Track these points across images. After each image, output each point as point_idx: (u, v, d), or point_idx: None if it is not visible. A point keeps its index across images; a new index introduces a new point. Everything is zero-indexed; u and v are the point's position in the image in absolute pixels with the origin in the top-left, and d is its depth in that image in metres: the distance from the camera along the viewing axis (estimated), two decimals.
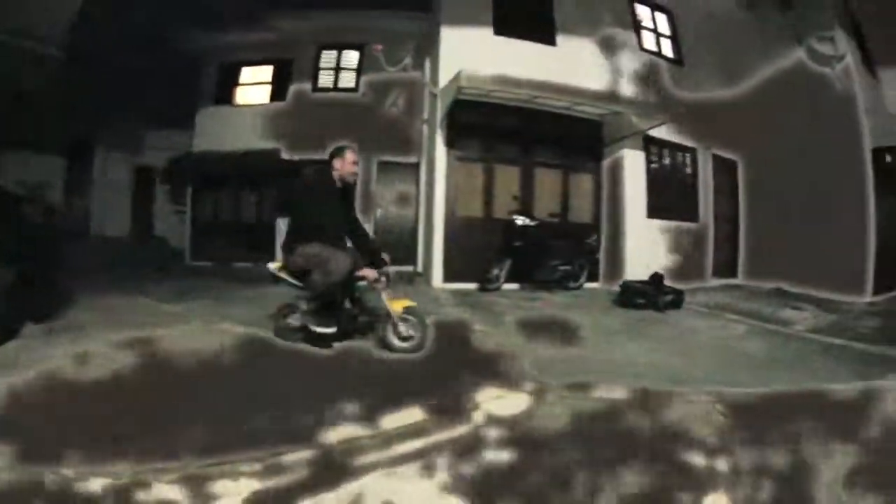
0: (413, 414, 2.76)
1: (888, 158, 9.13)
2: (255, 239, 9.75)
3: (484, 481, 2.32)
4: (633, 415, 2.79)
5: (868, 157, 8.11)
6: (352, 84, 10.07)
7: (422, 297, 5.20)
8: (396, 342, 3.63)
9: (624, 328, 5.12)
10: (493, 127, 7.48)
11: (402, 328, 3.65)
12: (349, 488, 2.21)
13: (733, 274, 9.45)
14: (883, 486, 2.32)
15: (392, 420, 2.69)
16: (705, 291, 7.79)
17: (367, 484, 2.24)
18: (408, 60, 9.66)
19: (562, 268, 6.99)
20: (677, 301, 6.13)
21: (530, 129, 7.64)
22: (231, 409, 2.61)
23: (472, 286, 6.90)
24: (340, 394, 2.81)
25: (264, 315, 4.05)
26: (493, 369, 3.36)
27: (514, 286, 7.10)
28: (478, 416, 2.77)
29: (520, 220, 6.76)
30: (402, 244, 8.98)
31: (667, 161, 8.53)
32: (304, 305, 3.54)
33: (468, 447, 2.51)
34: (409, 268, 8.75)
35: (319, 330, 3.47)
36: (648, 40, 8.74)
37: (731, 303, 6.79)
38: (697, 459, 2.50)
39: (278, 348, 3.41)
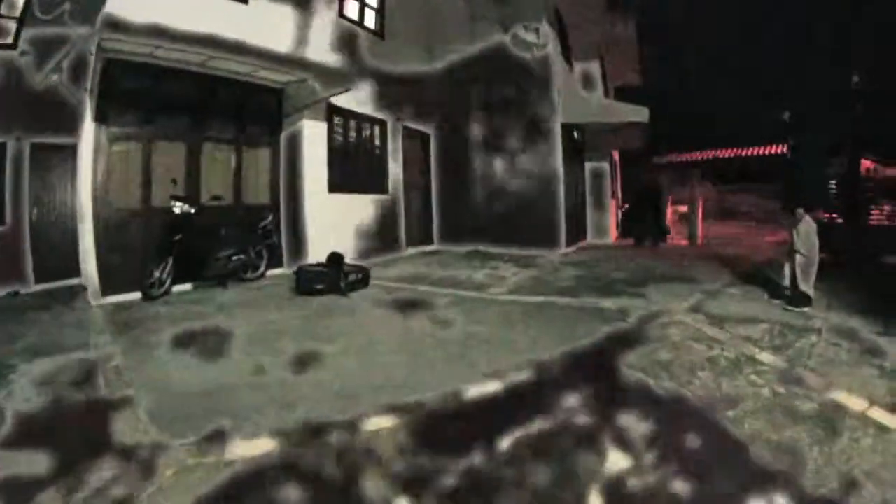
0: None
1: (575, 133, 10.48)
2: None
3: None
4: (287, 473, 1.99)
5: (559, 130, 9.05)
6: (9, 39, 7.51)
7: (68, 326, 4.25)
8: None
9: (294, 326, 4.19)
10: (156, 96, 6.11)
11: None
12: None
13: (430, 240, 10.02)
14: None
15: None
16: (401, 262, 7.80)
17: None
18: (66, 7, 7.57)
19: (235, 258, 5.98)
20: (363, 279, 5.63)
21: (201, 99, 6.39)
22: None
23: (137, 296, 5.48)
24: None
25: None
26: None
27: (187, 286, 5.89)
28: None
29: (177, 208, 5.53)
30: (61, 251, 7.04)
31: (353, 133, 8.19)
32: None
33: None
34: (75, 281, 6.88)
35: None
36: (352, 9, 8.31)
37: (426, 272, 6.63)
38: None
39: None
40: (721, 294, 5.03)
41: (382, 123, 8.72)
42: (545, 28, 9.34)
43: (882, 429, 2.23)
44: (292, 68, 6.45)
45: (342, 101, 7.46)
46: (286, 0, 7.11)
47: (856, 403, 2.48)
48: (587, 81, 12.17)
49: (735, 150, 15.46)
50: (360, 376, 3.05)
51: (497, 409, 2.57)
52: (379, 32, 8.87)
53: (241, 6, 6.62)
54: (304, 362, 3.30)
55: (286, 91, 7.08)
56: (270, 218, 6.64)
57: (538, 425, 2.33)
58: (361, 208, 8.08)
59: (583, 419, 2.41)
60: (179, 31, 5.28)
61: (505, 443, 2.17)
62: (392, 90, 8.80)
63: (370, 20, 8.74)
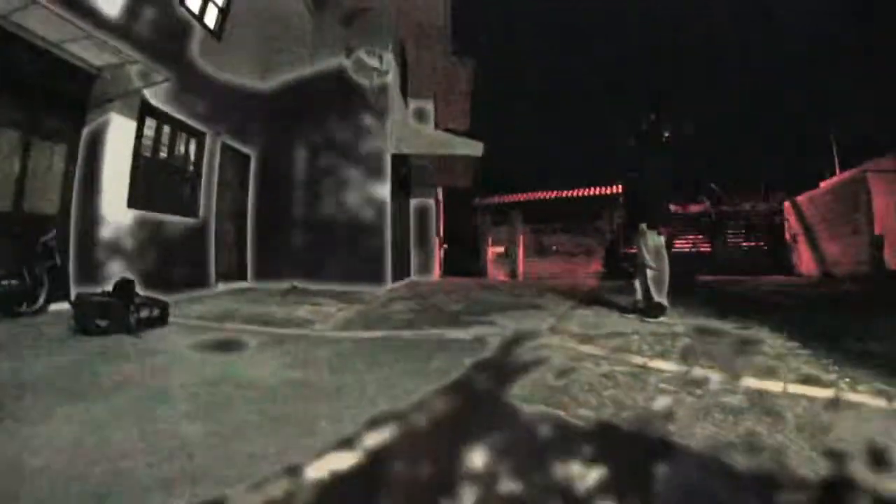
0: None
1: (403, 168, 10.76)
2: None
3: None
4: None
5: (389, 161, 9.12)
6: None
7: None
8: None
9: (49, 378, 2.83)
10: None
11: None
12: None
13: (243, 276, 8.97)
14: None
15: None
16: (209, 298, 6.81)
17: None
18: None
19: (4, 283, 4.82)
20: (161, 316, 4.89)
21: None
22: None
23: None
24: None
25: None
26: None
27: None
28: None
29: None
30: None
31: (165, 141, 7.02)
32: None
33: None
34: None
35: None
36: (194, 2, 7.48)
37: (237, 308, 5.98)
38: None
39: None
40: (573, 315, 5.22)
41: (201, 136, 7.63)
42: (389, 56, 9.40)
43: (812, 399, 2.40)
44: (113, 50, 5.31)
45: (159, 100, 6.45)
46: None
47: (772, 385, 2.59)
48: (420, 118, 12.63)
49: (552, 192, 17.28)
50: (130, 457, 1.82)
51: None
52: (217, 33, 8.01)
53: None
54: (49, 438, 1.98)
55: (100, 76, 5.75)
56: (54, 233, 5.39)
57: None
58: (166, 231, 6.79)
59: (498, 484, 1.68)
60: None
61: None
62: (218, 99, 7.88)
63: (211, 17, 7.89)
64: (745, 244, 16.27)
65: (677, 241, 16.57)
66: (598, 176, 16.62)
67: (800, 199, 14.70)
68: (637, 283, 5.35)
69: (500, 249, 15.77)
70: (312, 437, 2.04)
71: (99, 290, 5.10)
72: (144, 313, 4.69)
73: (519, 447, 1.95)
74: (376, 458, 1.87)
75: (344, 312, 5.91)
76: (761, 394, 2.50)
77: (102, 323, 4.37)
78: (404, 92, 11.75)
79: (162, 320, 4.89)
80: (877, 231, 10.97)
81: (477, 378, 2.97)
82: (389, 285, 8.90)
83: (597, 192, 16.26)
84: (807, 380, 2.72)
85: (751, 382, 2.68)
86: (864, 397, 2.41)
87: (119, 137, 5.96)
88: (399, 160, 10.09)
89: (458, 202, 16.60)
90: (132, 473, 1.70)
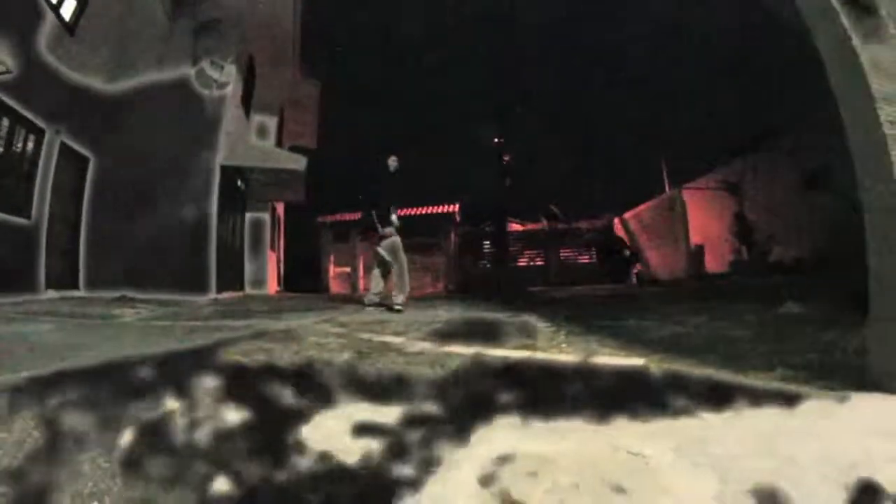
0: None
1: (239, 182, 10.94)
2: None
3: None
4: None
5: (218, 172, 9.28)
6: None
7: None
8: None
9: None
10: None
11: None
12: None
13: (76, 284, 8.46)
14: None
15: None
16: (35, 303, 6.49)
17: None
18: None
19: None
20: None
21: None
22: None
23: None
24: None
25: None
26: None
27: None
28: None
29: None
30: None
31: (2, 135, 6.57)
32: None
33: None
34: None
35: None
36: None
37: (56, 308, 5.84)
38: None
39: None
40: (360, 313, 5.82)
41: (40, 132, 7.16)
42: (231, 68, 9.54)
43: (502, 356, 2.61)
44: None
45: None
46: None
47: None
48: (262, 134, 12.84)
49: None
50: None
51: None
52: (71, 27, 7.58)
53: None
54: None
55: None
56: None
57: None
58: None
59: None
60: None
61: None
62: (62, 96, 7.49)
63: (68, 9, 7.50)
64: (580, 258, 18.63)
65: (520, 258, 18.65)
66: (442, 194, 17.90)
67: (627, 215, 17.16)
68: (372, 281, 6.49)
69: (345, 269, 16.19)
70: None
71: None
72: None
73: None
74: None
75: (155, 312, 6.03)
76: (449, 354, 2.67)
77: None
78: (248, 106, 11.94)
79: None
80: (695, 241, 13.20)
81: (220, 346, 3.02)
82: (213, 295, 8.93)
83: (438, 210, 17.55)
84: (524, 346, 3.00)
85: (455, 349, 2.84)
86: (553, 354, 2.73)
87: None
88: (235, 173, 10.24)
89: (302, 219, 16.87)
90: None
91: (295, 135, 15.31)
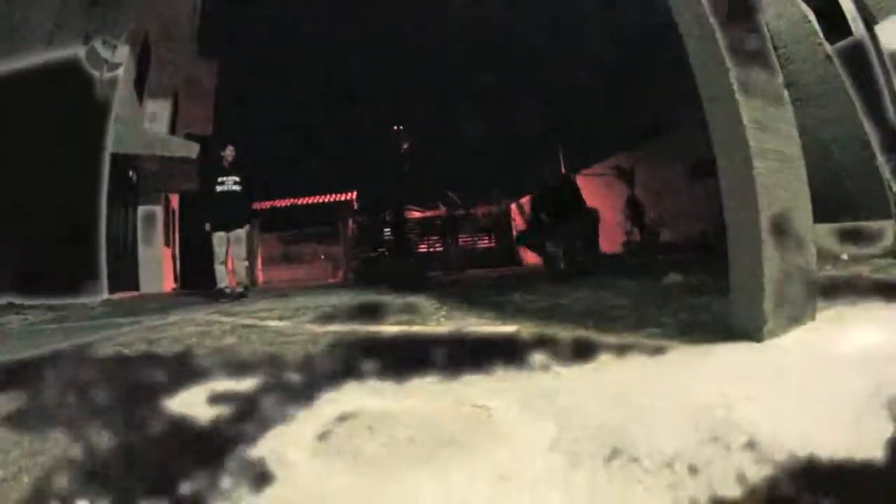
0: None
1: (130, 173, 10.33)
2: None
3: None
4: None
5: (107, 162, 8.66)
6: None
7: None
8: None
9: None
10: None
11: None
12: None
13: None
14: None
15: None
16: None
17: None
18: None
19: None
20: None
21: None
22: None
23: None
24: None
25: None
26: None
27: None
28: None
29: None
30: None
31: None
32: None
33: None
34: None
35: None
36: None
37: None
38: None
39: None
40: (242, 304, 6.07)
41: None
42: (124, 49, 8.98)
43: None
44: None
45: None
46: None
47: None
48: (154, 120, 12.14)
49: (293, 199, 17.79)
50: None
51: None
52: None
53: None
54: None
55: None
56: None
57: None
58: None
59: None
60: None
61: None
62: None
63: None
64: (478, 243, 19.16)
65: (420, 245, 18.88)
66: (338, 182, 17.61)
67: (523, 200, 17.75)
68: (218, 271, 7.39)
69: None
70: None
71: None
72: None
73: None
74: None
75: (39, 318, 5.77)
76: (326, 333, 2.82)
77: None
78: (141, 89, 11.25)
79: None
80: None
81: (104, 341, 3.11)
82: (106, 296, 8.34)
83: (335, 199, 17.34)
84: (403, 322, 3.11)
85: (334, 328, 2.99)
86: (428, 328, 2.86)
87: None
88: (126, 162, 9.64)
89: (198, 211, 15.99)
90: None
91: (192, 120, 14.58)
